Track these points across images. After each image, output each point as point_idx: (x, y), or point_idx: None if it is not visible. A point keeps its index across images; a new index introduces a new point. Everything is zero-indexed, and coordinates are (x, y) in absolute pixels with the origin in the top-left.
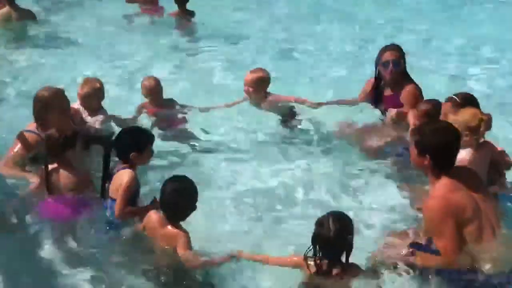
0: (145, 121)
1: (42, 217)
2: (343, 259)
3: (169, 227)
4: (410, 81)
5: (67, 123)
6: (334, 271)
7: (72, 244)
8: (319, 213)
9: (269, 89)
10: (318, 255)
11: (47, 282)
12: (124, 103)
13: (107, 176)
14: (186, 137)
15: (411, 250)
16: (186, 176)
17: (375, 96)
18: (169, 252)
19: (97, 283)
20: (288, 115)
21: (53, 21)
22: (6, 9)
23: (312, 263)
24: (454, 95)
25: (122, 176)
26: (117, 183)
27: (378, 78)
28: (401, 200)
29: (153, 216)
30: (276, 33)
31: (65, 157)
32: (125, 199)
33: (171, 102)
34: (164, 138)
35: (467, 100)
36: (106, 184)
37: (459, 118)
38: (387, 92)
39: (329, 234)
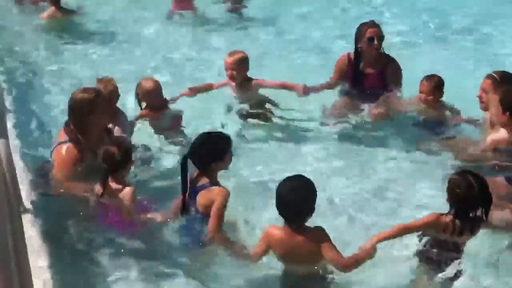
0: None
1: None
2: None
3: (298, 235)
4: (389, 57)
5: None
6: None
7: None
8: None
9: None
10: (457, 216)
11: None
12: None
13: (186, 188)
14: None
15: None
16: (302, 175)
17: (355, 74)
18: (315, 258)
19: None
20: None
21: (96, 17)
22: (51, 9)
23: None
24: (493, 72)
25: (214, 194)
26: (207, 199)
27: (358, 56)
28: None
29: (275, 231)
30: None
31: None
32: (220, 220)
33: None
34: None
35: (506, 78)
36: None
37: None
38: (368, 70)
39: (473, 192)
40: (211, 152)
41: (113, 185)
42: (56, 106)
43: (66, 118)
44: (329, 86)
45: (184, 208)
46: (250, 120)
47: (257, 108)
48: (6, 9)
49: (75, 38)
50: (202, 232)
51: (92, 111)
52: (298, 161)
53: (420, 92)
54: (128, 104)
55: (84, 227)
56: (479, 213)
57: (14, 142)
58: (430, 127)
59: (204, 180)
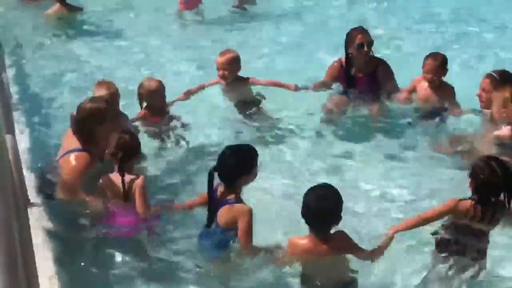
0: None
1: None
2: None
3: (324, 243)
4: (379, 60)
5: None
6: (489, 215)
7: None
8: None
9: None
10: (479, 201)
11: None
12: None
13: (212, 202)
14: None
15: None
16: (328, 184)
17: (347, 79)
18: (340, 263)
19: None
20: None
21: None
22: (57, 6)
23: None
24: (492, 72)
25: (237, 213)
26: (229, 217)
27: (349, 61)
28: None
29: (299, 241)
30: None
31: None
32: (251, 239)
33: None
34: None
35: (506, 77)
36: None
37: (505, 93)
38: (359, 74)
39: (497, 177)
40: (240, 166)
41: (127, 175)
42: (63, 102)
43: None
44: (323, 85)
45: (210, 222)
46: (245, 120)
47: (248, 107)
48: (11, 7)
49: (81, 35)
50: (219, 246)
51: (102, 121)
52: (298, 159)
53: (425, 71)
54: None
55: (91, 225)
56: (501, 198)
57: (20, 137)
58: (430, 117)
59: (228, 195)
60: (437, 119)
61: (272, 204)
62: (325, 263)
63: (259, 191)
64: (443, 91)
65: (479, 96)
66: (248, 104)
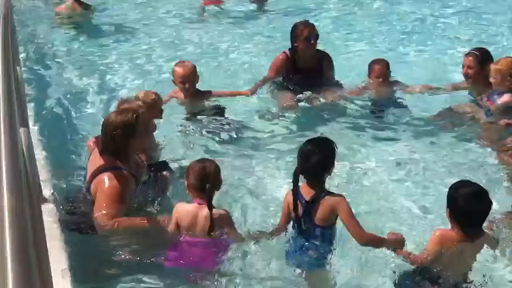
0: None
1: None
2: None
3: (474, 238)
4: (323, 52)
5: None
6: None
7: None
8: None
9: None
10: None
11: None
12: None
13: (297, 205)
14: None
15: None
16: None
17: (294, 71)
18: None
19: None
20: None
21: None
22: (70, 1)
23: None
24: (471, 50)
25: (335, 203)
26: (327, 210)
27: (295, 54)
28: None
29: (448, 233)
30: None
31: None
32: (359, 224)
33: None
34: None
35: (485, 53)
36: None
37: (502, 67)
38: (305, 65)
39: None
40: (326, 159)
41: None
42: (76, 96)
43: (83, 113)
44: (264, 81)
45: (300, 226)
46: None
47: (207, 116)
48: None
49: (95, 32)
50: (322, 247)
51: (133, 134)
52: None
53: (375, 76)
54: None
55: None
56: None
57: (34, 130)
58: (387, 105)
59: (316, 191)
60: (393, 108)
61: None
62: (464, 256)
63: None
64: (393, 85)
65: (466, 74)
66: (206, 113)
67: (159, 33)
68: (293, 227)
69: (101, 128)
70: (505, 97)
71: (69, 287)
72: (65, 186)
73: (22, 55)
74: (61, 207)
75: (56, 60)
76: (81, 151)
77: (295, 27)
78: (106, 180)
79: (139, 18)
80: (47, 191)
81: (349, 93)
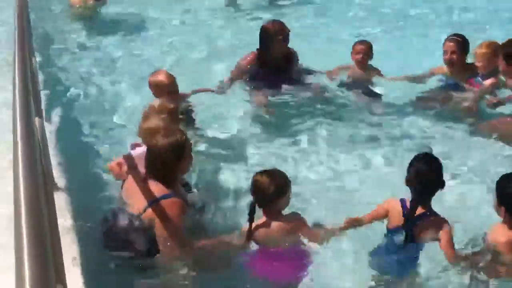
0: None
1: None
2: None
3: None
4: (289, 49)
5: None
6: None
7: None
8: None
9: None
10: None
11: None
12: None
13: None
14: None
15: None
16: None
17: (260, 70)
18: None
19: None
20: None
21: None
22: None
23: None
24: (451, 36)
25: (443, 224)
26: (433, 231)
27: (264, 53)
28: None
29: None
30: None
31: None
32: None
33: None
34: None
35: (466, 39)
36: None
37: (487, 50)
38: (274, 65)
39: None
40: (438, 177)
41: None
42: (88, 87)
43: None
44: (231, 81)
45: (407, 239)
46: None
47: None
48: None
49: (107, 24)
50: (414, 258)
51: (183, 155)
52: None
53: (355, 53)
54: None
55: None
56: None
57: (48, 121)
58: (362, 88)
59: (422, 208)
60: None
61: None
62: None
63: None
64: (371, 71)
65: (451, 59)
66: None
67: (173, 25)
68: (389, 233)
69: (146, 154)
70: (490, 80)
71: (79, 275)
72: (77, 175)
73: (36, 46)
74: (100, 228)
75: (70, 51)
76: (94, 142)
77: (268, 28)
78: (167, 209)
79: (154, 9)
80: (58, 180)
81: (327, 75)
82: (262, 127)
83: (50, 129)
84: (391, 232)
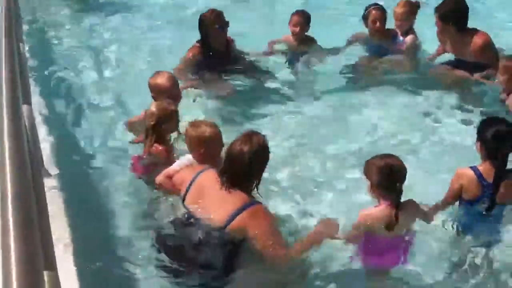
0: None
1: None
2: None
3: None
4: (228, 37)
5: None
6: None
7: None
8: None
9: None
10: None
11: None
12: None
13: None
14: None
15: None
16: None
17: (205, 59)
18: None
19: None
20: None
21: None
22: None
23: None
24: (374, 5)
25: None
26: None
27: (208, 42)
28: None
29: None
30: None
31: None
32: None
33: None
34: None
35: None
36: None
37: (405, 8)
38: (217, 53)
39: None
40: None
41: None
42: (80, 74)
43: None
44: (179, 74)
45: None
46: None
47: None
48: None
49: (100, 7)
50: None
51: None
52: None
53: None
54: None
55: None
56: None
57: (37, 108)
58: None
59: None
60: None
61: None
62: None
63: None
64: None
65: (377, 28)
66: None
67: (170, 9)
68: (468, 205)
69: (226, 160)
70: (410, 37)
71: (71, 260)
72: (67, 161)
73: (25, 30)
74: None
75: (60, 35)
76: (83, 128)
77: (205, 18)
78: (260, 216)
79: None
80: (49, 166)
81: (342, 48)
82: (232, 116)
83: (41, 115)
84: (470, 203)
